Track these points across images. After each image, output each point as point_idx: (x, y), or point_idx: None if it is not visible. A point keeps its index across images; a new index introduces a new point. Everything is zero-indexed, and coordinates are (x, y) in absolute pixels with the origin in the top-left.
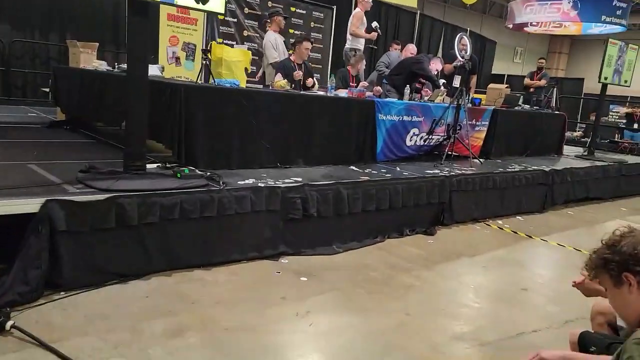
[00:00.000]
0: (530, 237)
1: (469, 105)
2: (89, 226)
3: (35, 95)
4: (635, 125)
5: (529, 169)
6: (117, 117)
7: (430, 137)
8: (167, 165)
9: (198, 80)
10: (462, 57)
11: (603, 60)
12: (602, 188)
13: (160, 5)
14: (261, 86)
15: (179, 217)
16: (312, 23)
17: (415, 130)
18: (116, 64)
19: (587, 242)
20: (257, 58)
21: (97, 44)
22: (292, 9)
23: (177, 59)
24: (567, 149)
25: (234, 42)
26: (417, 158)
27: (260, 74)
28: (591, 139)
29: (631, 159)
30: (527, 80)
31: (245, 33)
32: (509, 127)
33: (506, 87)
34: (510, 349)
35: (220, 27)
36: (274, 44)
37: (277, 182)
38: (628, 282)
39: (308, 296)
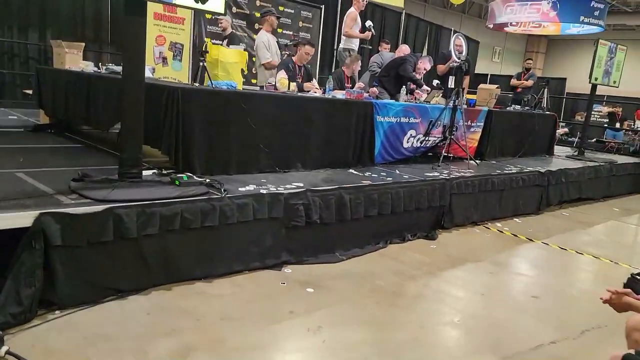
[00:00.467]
0: (531, 240)
1: (465, 106)
2: (86, 240)
3: (15, 97)
4: (618, 125)
5: (526, 170)
6: (105, 121)
7: (427, 138)
8: (164, 172)
9: (191, 82)
10: (459, 58)
11: (593, 61)
12: (594, 188)
13: (150, 3)
14: (257, 88)
15: (179, 228)
16: (301, 22)
17: (413, 132)
18: (100, 64)
19: (586, 244)
20: None
21: (83, 44)
22: (281, 8)
23: (164, 59)
24: (556, 149)
25: (221, 42)
26: (414, 160)
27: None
28: (581, 139)
29: (620, 159)
30: (514, 81)
31: (234, 33)
32: (503, 128)
33: (497, 88)
34: None
35: (208, 26)
36: (267, 44)
37: (278, 188)
38: None
39: (316, 309)
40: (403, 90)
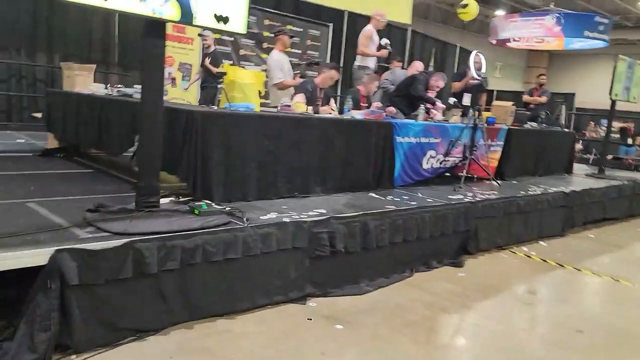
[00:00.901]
0: (562, 265)
1: (485, 124)
2: (104, 277)
3: (22, 120)
4: (630, 141)
5: (550, 191)
6: (117, 145)
7: (446, 159)
8: (181, 199)
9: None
10: (479, 75)
11: (613, 77)
12: (617, 208)
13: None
14: (273, 109)
15: (200, 261)
16: (309, 41)
17: (432, 153)
18: (108, 85)
19: (620, 270)
20: None
21: (95, 66)
22: (289, 26)
23: (173, 79)
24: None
25: (231, 62)
26: (432, 181)
27: None
28: (601, 157)
29: None
30: (526, 97)
31: (242, 52)
32: (523, 147)
33: (512, 105)
34: None
35: (217, 46)
36: (280, 64)
37: (301, 216)
38: None
39: (348, 348)
40: (421, 109)
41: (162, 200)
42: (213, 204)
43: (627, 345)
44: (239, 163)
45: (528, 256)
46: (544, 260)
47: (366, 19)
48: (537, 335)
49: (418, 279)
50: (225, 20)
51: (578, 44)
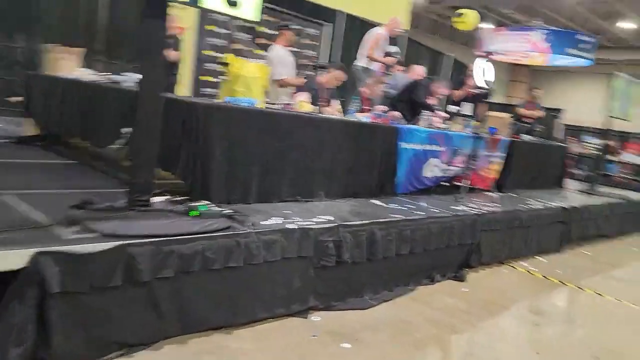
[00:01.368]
0: (564, 283)
1: (487, 135)
2: (89, 285)
3: None
4: (611, 157)
5: (550, 206)
6: (105, 137)
7: (449, 168)
8: (177, 198)
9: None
10: (487, 84)
11: (610, 94)
12: (610, 225)
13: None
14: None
15: (198, 270)
16: (308, 40)
17: (436, 161)
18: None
19: (619, 290)
20: None
21: (83, 50)
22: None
23: None
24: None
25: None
26: (433, 190)
27: None
28: (594, 174)
29: (630, 194)
30: (523, 110)
31: (236, 46)
32: (522, 159)
33: (510, 116)
34: None
35: (208, 38)
36: (283, 60)
37: (306, 222)
38: None
39: None
40: (426, 114)
41: (156, 199)
42: (213, 205)
43: None
44: (242, 162)
45: (529, 272)
46: (546, 277)
47: (365, 23)
48: None
49: (422, 293)
50: (234, 3)
51: (562, 60)
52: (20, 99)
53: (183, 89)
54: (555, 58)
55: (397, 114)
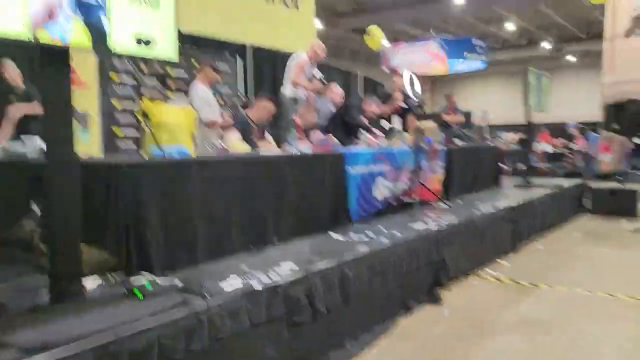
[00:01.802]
0: (535, 285)
1: (426, 146)
2: None
3: None
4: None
5: (500, 207)
6: (9, 218)
7: (395, 185)
8: (113, 277)
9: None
10: (416, 97)
11: (526, 88)
12: (552, 215)
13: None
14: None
15: None
16: (221, 76)
17: (383, 180)
18: None
19: (588, 282)
20: None
21: None
22: (192, 59)
23: None
24: None
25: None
26: (385, 211)
27: None
28: (527, 168)
29: (560, 182)
30: (446, 116)
31: (148, 92)
32: (461, 166)
33: (437, 125)
34: None
35: (114, 87)
36: (206, 100)
37: (269, 275)
38: None
39: None
40: (364, 135)
41: (87, 283)
42: (157, 279)
43: None
44: (182, 220)
45: (498, 279)
46: (516, 282)
47: (275, 53)
48: None
49: (404, 327)
50: (147, 42)
51: (460, 66)
52: None
53: (94, 146)
54: (453, 64)
55: (333, 138)
